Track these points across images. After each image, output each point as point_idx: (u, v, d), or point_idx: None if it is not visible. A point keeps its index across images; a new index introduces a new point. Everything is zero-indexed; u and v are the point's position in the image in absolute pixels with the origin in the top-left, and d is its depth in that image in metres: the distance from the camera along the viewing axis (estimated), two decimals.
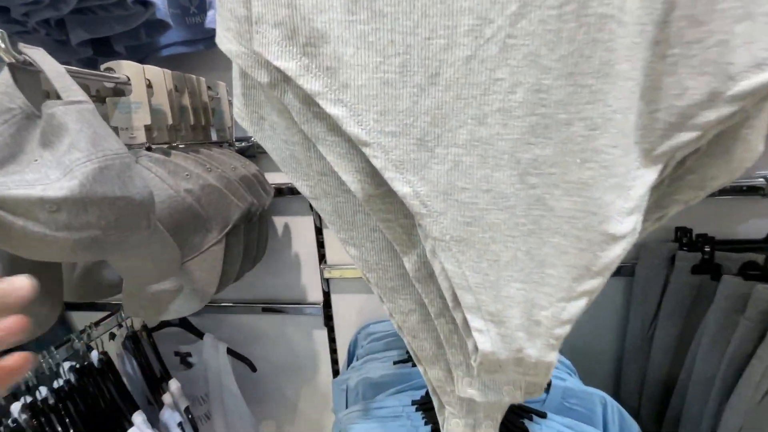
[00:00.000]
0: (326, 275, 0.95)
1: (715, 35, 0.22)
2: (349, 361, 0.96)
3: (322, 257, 0.96)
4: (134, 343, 0.90)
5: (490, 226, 0.28)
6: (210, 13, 0.71)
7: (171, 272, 0.60)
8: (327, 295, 0.99)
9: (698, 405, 0.71)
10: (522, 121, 0.26)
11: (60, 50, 0.71)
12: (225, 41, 0.30)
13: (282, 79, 0.29)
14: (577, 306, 0.28)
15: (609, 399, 0.68)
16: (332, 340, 1.02)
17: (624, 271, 0.91)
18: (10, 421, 0.63)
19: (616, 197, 0.26)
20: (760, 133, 0.27)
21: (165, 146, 0.65)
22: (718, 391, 0.67)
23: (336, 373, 1.03)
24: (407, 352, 0.85)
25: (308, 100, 0.29)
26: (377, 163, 0.27)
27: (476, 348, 0.31)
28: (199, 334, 0.99)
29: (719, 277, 0.73)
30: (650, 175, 0.26)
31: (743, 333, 0.63)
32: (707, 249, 0.78)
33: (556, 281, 0.28)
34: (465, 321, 0.31)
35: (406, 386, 0.76)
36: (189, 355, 1.02)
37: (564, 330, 0.29)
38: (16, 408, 0.64)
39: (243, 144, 0.86)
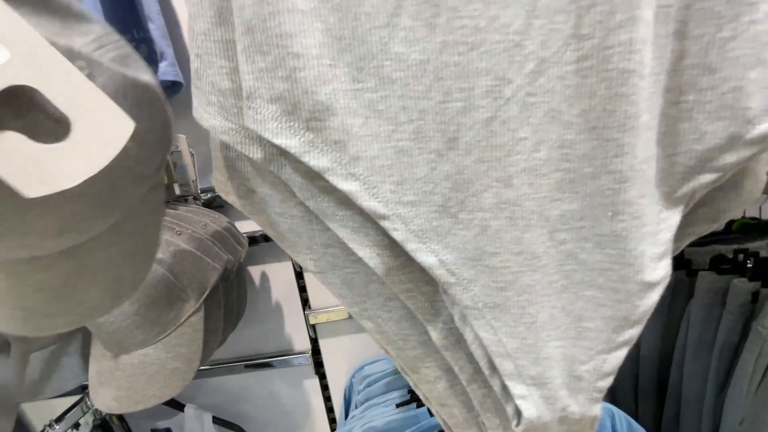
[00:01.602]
0: (312, 321, 0.91)
1: (730, 82, 0.22)
2: (347, 408, 0.91)
3: (305, 302, 0.91)
4: (104, 431, 0.80)
5: (524, 289, 0.26)
6: (162, 65, 0.67)
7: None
8: (315, 342, 0.94)
9: (696, 401, 0.74)
10: (548, 179, 0.25)
11: None
12: (207, 116, 0.27)
13: (279, 153, 0.27)
14: (618, 356, 0.27)
15: (616, 410, 0.68)
16: (325, 387, 0.97)
17: None
18: None
19: (648, 245, 0.25)
20: (765, 164, 0.28)
21: None
22: (713, 385, 0.69)
23: (333, 423, 0.98)
24: (410, 392, 0.82)
25: (312, 175, 0.26)
26: (398, 235, 0.25)
27: (517, 413, 0.29)
28: (179, 406, 0.90)
29: (692, 272, 0.77)
30: (674, 218, 0.26)
31: (728, 325, 0.66)
32: None
33: (595, 334, 0.27)
34: (503, 388, 0.29)
35: (414, 430, 0.72)
36: (169, 431, 0.93)
37: (606, 382, 0.28)
38: None
39: (209, 195, 0.81)
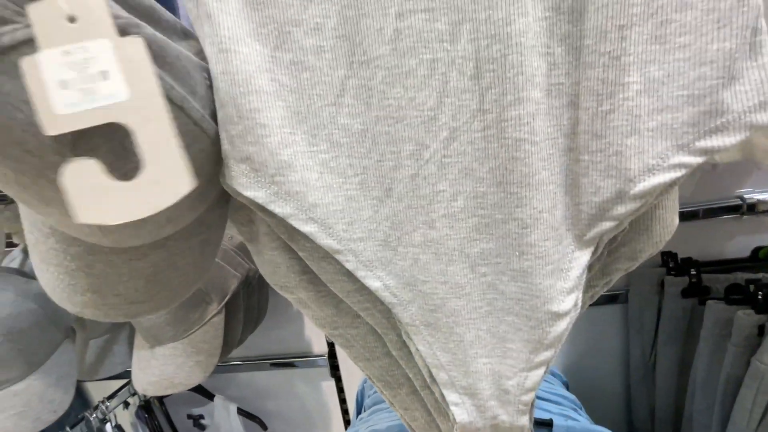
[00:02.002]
0: None
1: (613, 146, 0.26)
2: (358, 411, 0.96)
3: None
4: (147, 411, 0.92)
5: (452, 312, 0.31)
6: None
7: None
8: (331, 346, 1.01)
9: None
10: (466, 223, 0.30)
11: None
12: None
13: None
14: (537, 374, 0.31)
15: None
16: (340, 390, 1.03)
17: (619, 299, 0.93)
18: None
19: (556, 280, 0.29)
20: (673, 212, 0.31)
21: None
22: (718, 418, 0.67)
23: (347, 424, 1.04)
24: None
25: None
26: (350, 266, 0.31)
27: (455, 419, 0.34)
28: (210, 396, 1.01)
29: (703, 301, 0.75)
30: (584, 257, 0.30)
31: (732, 359, 0.65)
32: (693, 272, 0.80)
33: (517, 354, 0.31)
34: (442, 395, 0.34)
35: None
36: (201, 417, 1.04)
37: (529, 396, 0.32)
38: None
39: None
